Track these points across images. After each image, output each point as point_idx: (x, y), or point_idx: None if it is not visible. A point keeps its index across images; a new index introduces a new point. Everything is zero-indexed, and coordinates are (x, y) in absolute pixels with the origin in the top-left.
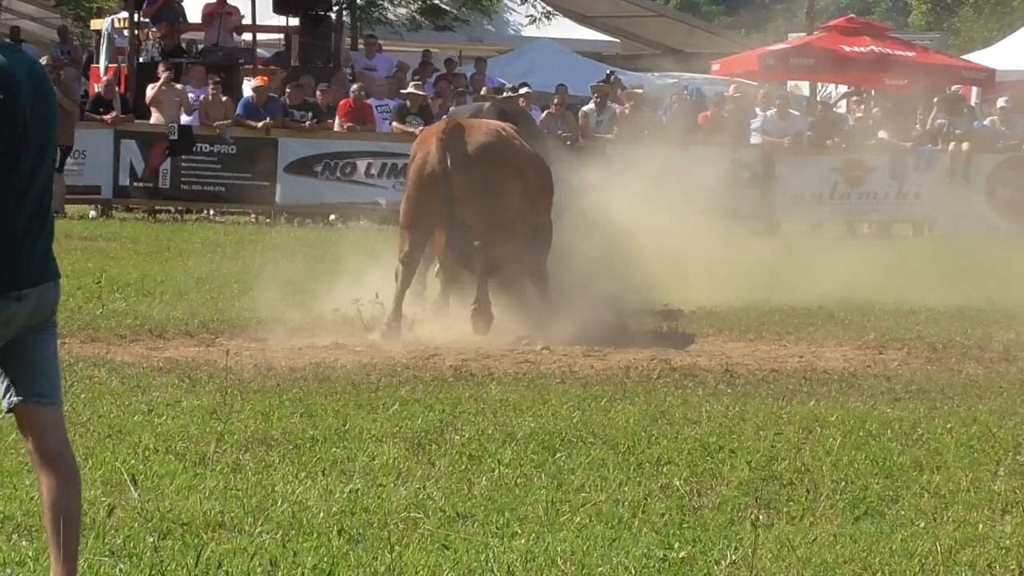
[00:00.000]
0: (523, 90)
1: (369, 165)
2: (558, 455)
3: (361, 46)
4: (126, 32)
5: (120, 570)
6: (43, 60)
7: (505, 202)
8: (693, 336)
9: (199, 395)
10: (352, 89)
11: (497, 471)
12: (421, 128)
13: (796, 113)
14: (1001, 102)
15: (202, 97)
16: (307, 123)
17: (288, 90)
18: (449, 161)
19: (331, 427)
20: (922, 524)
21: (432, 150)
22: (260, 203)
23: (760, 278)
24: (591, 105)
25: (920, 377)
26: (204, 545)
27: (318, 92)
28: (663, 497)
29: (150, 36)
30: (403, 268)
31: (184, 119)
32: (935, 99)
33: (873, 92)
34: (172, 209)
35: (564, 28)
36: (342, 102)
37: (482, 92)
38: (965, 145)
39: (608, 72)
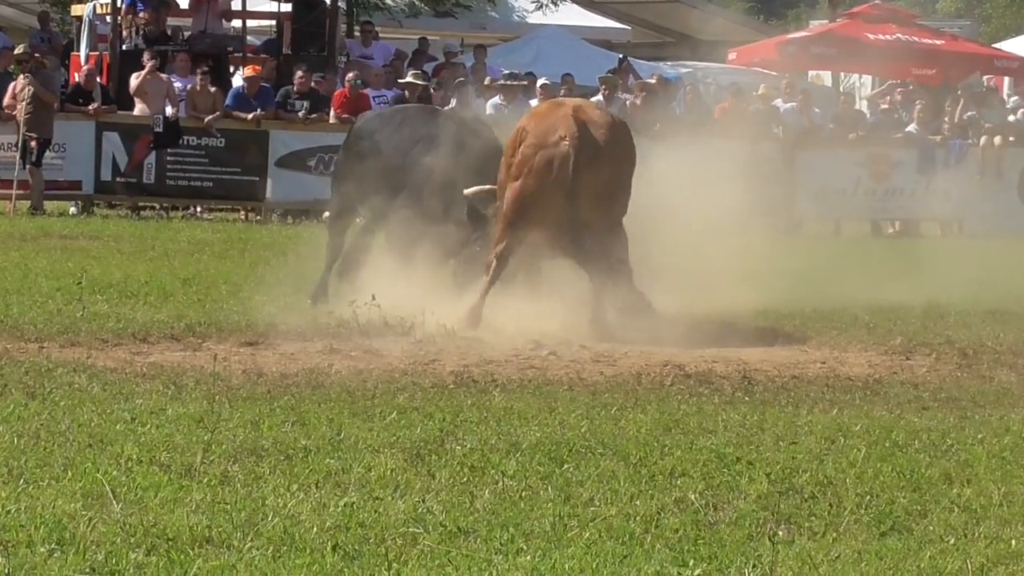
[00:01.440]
0: (541, 81)
1: None
2: (565, 466)
3: (357, 34)
4: (108, 18)
5: None
6: (20, 48)
7: (624, 199)
8: (708, 340)
9: (185, 403)
10: (348, 78)
11: (501, 483)
12: None
13: (818, 111)
14: None
15: (189, 87)
16: (300, 113)
17: (299, 75)
18: (583, 157)
19: (325, 436)
20: (952, 540)
21: (564, 142)
22: (250, 199)
23: (780, 278)
24: (599, 96)
25: (950, 384)
26: (191, 562)
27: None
28: (677, 511)
29: (134, 22)
30: (497, 264)
31: (169, 110)
32: (959, 91)
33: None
34: (157, 206)
35: (571, 14)
36: (337, 92)
37: (485, 82)
38: (997, 139)
39: (620, 57)
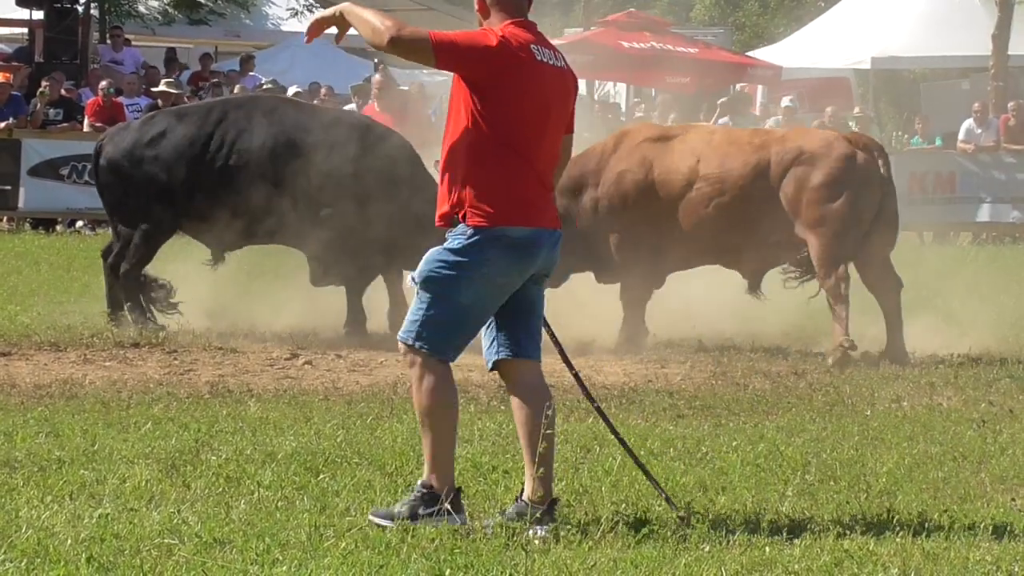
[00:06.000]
0: (293, 89)
1: None
2: (321, 476)
3: (109, 41)
4: None
5: None
6: None
7: None
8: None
9: None
10: (101, 87)
11: (257, 494)
12: None
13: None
14: (786, 101)
15: None
16: (49, 120)
17: (45, 83)
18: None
19: (79, 448)
20: (707, 548)
21: (875, 163)
22: (2, 209)
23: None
24: (352, 105)
25: (704, 392)
26: None
27: (63, 90)
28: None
29: None
30: (842, 283)
31: None
32: (719, 101)
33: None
34: None
35: None
36: (90, 101)
37: (234, 90)
38: None
39: (375, 62)
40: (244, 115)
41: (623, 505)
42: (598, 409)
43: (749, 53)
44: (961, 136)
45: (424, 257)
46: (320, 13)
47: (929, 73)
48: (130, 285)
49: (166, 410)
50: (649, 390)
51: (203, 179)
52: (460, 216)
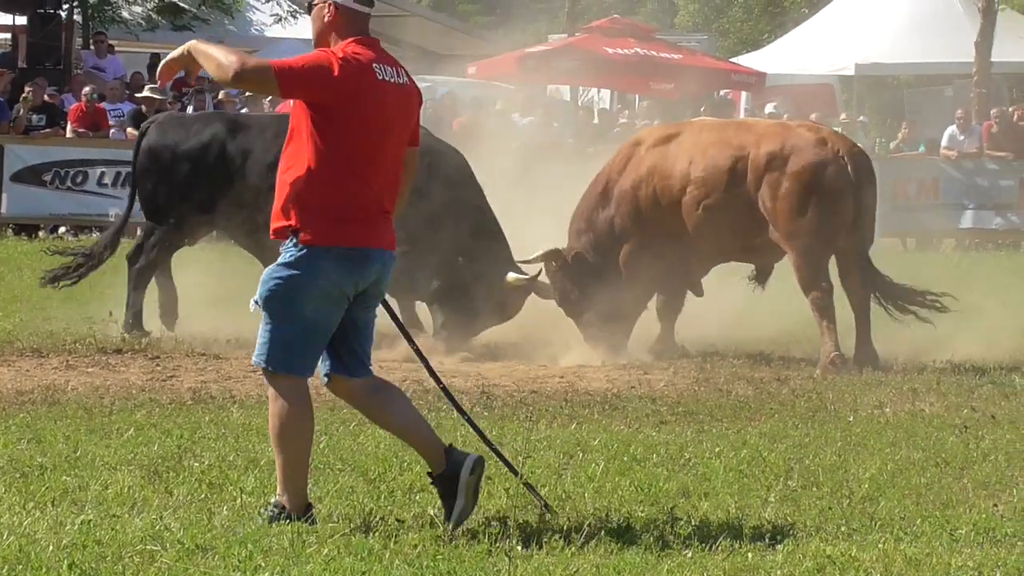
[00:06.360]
0: None
1: (102, 174)
2: None
3: (93, 46)
4: None
5: None
6: None
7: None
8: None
9: None
10: (84, 92)
11: (239, 500)
12: None
13: (557, 125)
14: (770, 107)
15: None
16: (32, 125)
17: (28, 88)
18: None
19: (61, 454)
20: (689, 554)
21: (840, 167)
22: None
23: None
24: None
25: (687, 398)
26: None
27: (46, 95)
28: (416, 527)
29: None
30: (825, 295)
31: None
32: (702, 108)
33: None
34: None
35: (310, 28)
36: (73, 106)
37: (220, 96)
38: None
39: None
40: None
41: (606, 511)
42: (444, 389)
43: (733, 59)
44: (944, 142)
45: (261, 278)
46: (169, 55)
47: (913, 79)
48: (140, 279)
49: (149, 416)
50: (632, 396)
51: (248, 194)
52: (292, 232)
